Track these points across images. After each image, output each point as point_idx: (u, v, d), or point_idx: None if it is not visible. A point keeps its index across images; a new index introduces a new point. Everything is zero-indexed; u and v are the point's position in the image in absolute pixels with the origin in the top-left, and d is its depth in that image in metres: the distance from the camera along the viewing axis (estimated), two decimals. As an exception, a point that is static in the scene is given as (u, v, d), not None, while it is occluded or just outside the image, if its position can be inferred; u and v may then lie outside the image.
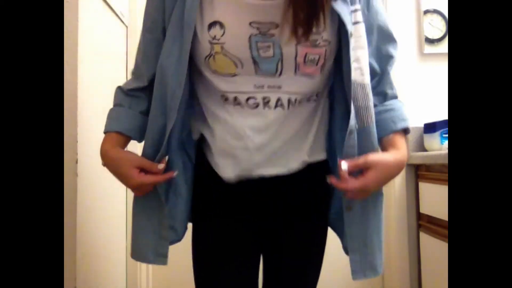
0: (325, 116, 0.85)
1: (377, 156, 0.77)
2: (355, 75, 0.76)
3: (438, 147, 1.52)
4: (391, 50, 0.93)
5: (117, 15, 1.35)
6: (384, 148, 0.83)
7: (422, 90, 1.65)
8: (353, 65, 0.76)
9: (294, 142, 0.80)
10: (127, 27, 1.49)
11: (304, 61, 0.73)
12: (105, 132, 0.85)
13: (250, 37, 0.71)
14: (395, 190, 1.59)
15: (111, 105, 0.87)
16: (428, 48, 1.66)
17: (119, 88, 0.88)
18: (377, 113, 0.83)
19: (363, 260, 0.84)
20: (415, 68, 1.66)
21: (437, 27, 1.67)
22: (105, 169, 1.17)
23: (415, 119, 1.63)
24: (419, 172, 1.57)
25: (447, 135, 1.54)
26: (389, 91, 0.92)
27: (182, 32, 0.75)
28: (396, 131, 0.83)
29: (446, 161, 1.32)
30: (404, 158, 0.80)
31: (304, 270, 0.91)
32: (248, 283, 0.85)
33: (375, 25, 0.87)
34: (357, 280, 0.86)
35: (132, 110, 0.85)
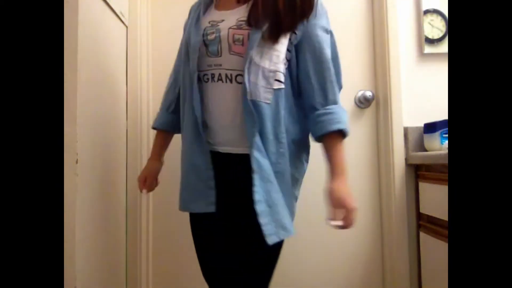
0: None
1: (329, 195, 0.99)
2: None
3: (438, 147, 1.52)
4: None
5: (117, 15, 1.35)
6: (324, 147, 1.04)
7: (422, 90, 1.65)
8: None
9: (239, 124, 0.99)
10: (127, 27, 1.49)
11: (234, 41, 0.99)
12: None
13: (205, 29, 1.04)
14: (395, 190, 1.59)
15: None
16: (428, 48, 1.66)
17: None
18: (318, 115, 1.02)
19: (273, 221, 0.92)
20: (415, 68, 1.65)
21: (437, 27, 1.67)
22: (105, 169, 1.16)
23: (415, 119, 1.63)
24: (419, 172, 1.57)
25: (447, 135, 1.54)
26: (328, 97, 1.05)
27: (199, 16, 1.08)
28: (332, 132, 1.00)
29: (446, 161, 1.32)
30: (343, 171, 1.01)
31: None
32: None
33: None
34: (273, 242, 0.91)
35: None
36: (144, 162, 1.54)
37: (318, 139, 1.04)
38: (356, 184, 1.67)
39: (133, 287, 1.47)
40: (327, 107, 1.02)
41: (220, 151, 1.03)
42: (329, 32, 1.06)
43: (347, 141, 1.67)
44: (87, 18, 1.03)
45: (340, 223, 0.92)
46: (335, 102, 1.03)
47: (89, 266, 1.04)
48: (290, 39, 1.01)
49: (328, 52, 1.04)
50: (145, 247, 1.54)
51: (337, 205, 0.95)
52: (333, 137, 1.01)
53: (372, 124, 1.69)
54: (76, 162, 0.93)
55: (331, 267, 1.64)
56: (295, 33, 1.01)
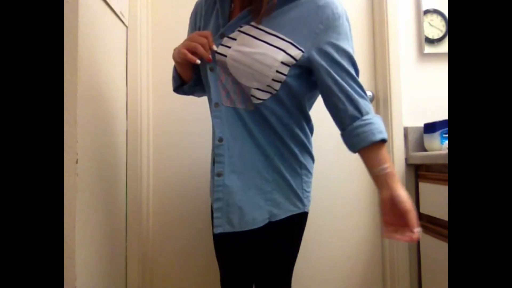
0: None
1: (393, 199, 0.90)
2: None
3: (438, 147, 1.52)
4: None
5: (117, 15, 1.35)
6: (367, 158, 0.96)
7: (422, 90, 1.65)
8: None
9: None
10: (127, 27, 1.49)
11: None
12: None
13: None
14: (395, 190, 1.59)
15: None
16: (428, 48, 1.66)
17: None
18: (356, 127, 0.96)
19: (223, 217, 1.01)
20: (415, 68, 1.66)
21: (437, 27, 1.67)
22: (105, 169, 1.16)
23: (415, 119, 1.63)
24: (419, 172, 1.57)
25: (447, 135, 1.54)
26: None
27: (217, 33, 1.02)
28: (375, 142, 0.94)
29: (446, 161, 1.32)
30: (393, 171, 0.93)
31: None
32: None
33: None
34: (218, 232, 1.00)
35: None
36: (144, 162, 1.55)
37: (357, 150, 0.98)
38: (356, 184, 1.67)
39: (133, 287, 1.47)
40: (364, 117, 0.95)
41: None
42: (347, 52, 0.97)
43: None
44: (87, 18, 1.03)
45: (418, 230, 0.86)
46: (368, 112, 0.95)
47: (89, 266, 1.04)
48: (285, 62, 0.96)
49: (343, 62, 0.96)
50: (145, 248, 1.54)
51: (410, 212, 0.87)
52: (377, 147, 0.94)
53: (372, 124, 1.70)
54: (76, 162, 0.93)
55: (331, 267, 1.64)
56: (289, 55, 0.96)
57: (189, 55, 0.98)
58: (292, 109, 1.03)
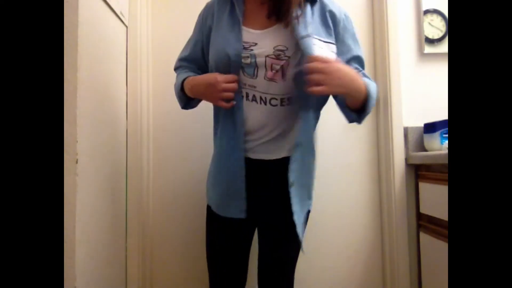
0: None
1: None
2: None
3: (438, 147, 1.52)
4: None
5: (117, 15, 1.35)
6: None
7: (422, 90, 1.65)
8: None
9: (276, 136, 1.08)
10: (127, 27, 1.49)
11: (271, 69, 1.03)
12: (182, 83, 1.15)
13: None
14: (395, 190, 1.59)
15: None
16: (428, 48, 1.66)
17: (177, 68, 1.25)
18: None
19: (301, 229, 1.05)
20: (415, 68, 1.66)
21: (437, 27, 1.67)
22: (105, 169, 1.16)
23: (415, 119, 1.63)
24: (419, 172, 1.57)
25: (447, 135, 1.54)
26: None
27: (234, 27, 1.05)
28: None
29: (446, 161, 1.32)
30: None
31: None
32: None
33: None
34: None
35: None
36: (144, 162, 1.55)
37: None
38: (356, 184, 1.67)
39: (132, 287, 1.47)
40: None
41: (252, 157, 1.08)
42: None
43: (347, 141, 1.68)
44: (87, 18, 1.03)
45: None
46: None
47: (89, 266, 1.04)
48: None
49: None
50: (145, 247, 1.54)
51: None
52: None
53: (372, 124, 1.69)
54: (76, 162, 0.93)
55: (331, 267, 1.64)
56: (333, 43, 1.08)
57: (224, 104, 1.03)
58: (317, 112, 1.14)
